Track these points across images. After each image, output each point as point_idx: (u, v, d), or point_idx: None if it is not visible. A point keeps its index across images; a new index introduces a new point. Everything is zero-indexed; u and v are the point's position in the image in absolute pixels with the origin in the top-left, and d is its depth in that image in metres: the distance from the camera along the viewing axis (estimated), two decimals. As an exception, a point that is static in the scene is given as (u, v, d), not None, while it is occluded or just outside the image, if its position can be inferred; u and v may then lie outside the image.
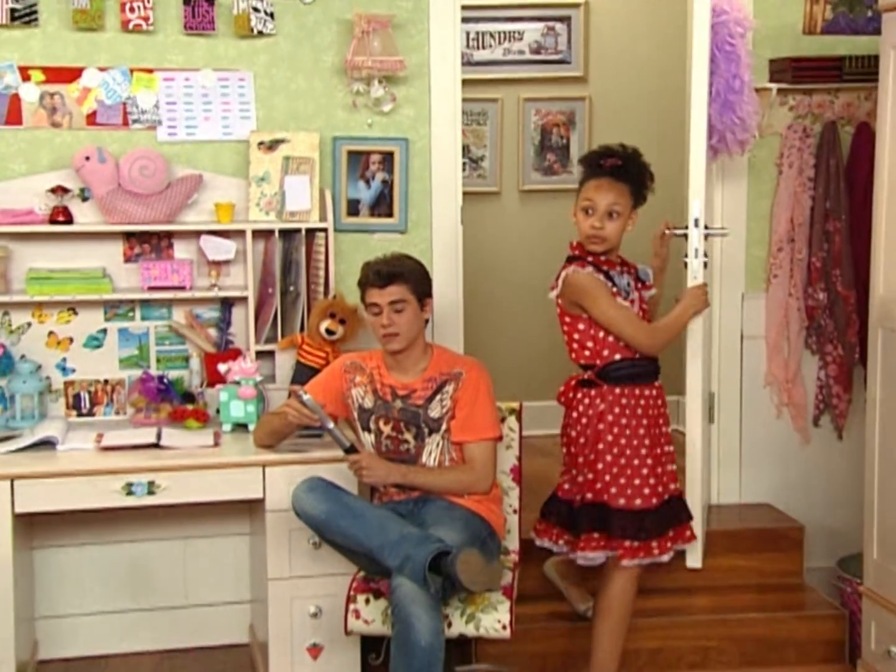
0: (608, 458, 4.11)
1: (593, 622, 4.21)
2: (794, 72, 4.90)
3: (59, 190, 4.53)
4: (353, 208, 4.87)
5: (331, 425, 4.04)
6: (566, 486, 4.26)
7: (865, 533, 4.44)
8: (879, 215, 4.30)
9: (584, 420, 4.16)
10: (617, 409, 4.15)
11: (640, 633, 4.47)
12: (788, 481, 5.21)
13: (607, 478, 4.10)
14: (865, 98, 5.01)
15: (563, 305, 4.17)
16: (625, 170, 4.10)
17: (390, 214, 4.90)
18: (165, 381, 4.75)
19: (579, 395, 4.19)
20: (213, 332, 4.84)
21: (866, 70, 4.88)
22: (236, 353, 4.73)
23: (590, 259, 4.15)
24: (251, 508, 4.75)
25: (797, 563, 4.96)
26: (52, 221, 4.53)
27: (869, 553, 4.40)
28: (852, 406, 5.20)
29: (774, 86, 4.93)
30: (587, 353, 4.19)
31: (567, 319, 4.19)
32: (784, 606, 4.78)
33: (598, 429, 4.13)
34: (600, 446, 4.12)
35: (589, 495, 4.14)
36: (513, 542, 4.30)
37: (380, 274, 4.10)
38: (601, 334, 4.15)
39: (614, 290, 4.15)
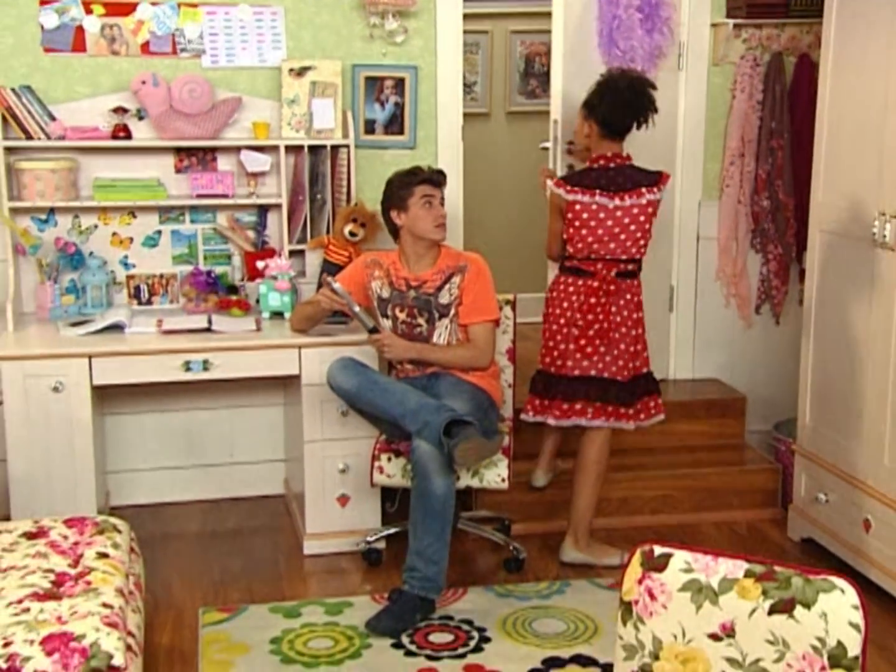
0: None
1: (575, 477, 4.33)
2: (747, 9, 4.96)
3: (120, 110, 4.57)
4: (370, 127, 4.88)
5: (357, 308, 4.15)
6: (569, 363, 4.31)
7: (800, 401, 4.58)
8: (821, 134, 4.37)
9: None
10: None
11: (610, 485, 4.60)
12: (733, 360, 5.35)
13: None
14: (806, 32, 5.05)
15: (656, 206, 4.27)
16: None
17: (401, 132, 4.91)
18: (212, 275, 4.82)
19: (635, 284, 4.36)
20: (251, 233, 4.86)
21: (809, 8, 4.97)
22: (272, 252, 4.77)
23: None
24: (286, 384, 4.85)
25: (740, 427, 5.14)
26: (114, 137, 4.57)
27: (802, 418, 4.56)
28: (788, 297, 5.32)
29: (731, 21, 4.99)
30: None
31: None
32: (729, 462, 4.98)
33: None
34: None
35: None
36: (508, 411, 4.45)
37: (439, 172, 4.27)
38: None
39: None
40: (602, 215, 4.17)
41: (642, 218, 4.19)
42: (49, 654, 2.83)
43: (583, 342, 4.22)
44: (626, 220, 4.18)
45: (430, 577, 3.90)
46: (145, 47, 4.64)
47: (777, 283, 5.26)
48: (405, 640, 3.83)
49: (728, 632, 1.95)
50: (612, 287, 4.23)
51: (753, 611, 1.92)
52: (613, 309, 4.23)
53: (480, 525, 4.53)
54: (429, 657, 3.73)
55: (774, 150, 5.07)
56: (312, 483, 4.46)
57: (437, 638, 3.86)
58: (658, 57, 4.88)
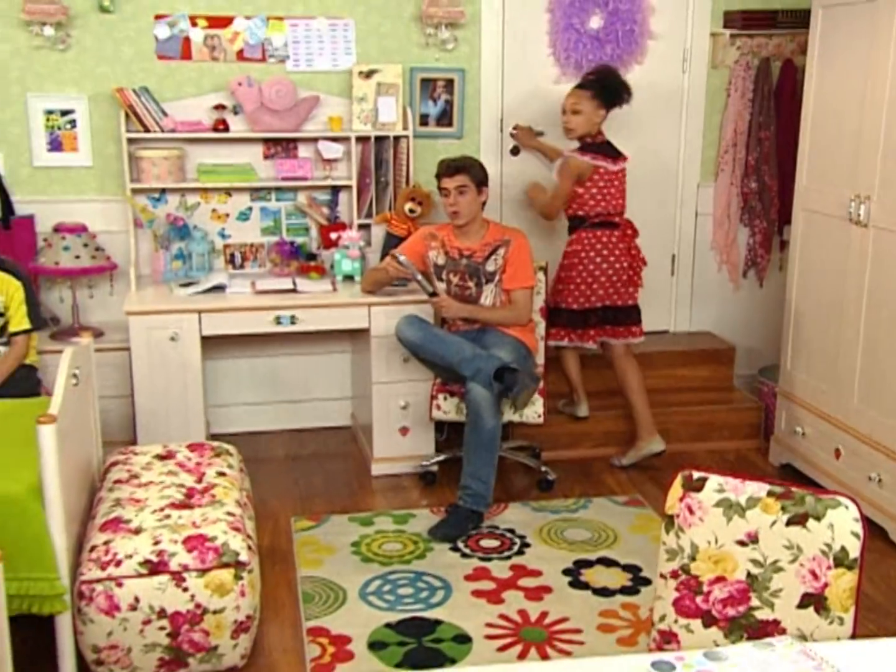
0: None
1: (626, 390, 4.56)
2: (741, 21, 4.95)
3: (219, 107, 4.60)
4: (424, 120, 4.87)
5: (419, 276, 4.19)
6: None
7: (782, 351, 4.62)
8: (806, 128, 4.37)
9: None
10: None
11: (621, 420, 4.71)
12: (724, 316, 5.36)
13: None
14: (790, 41, 5.03)
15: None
16: (592, 82, 4.35)
17: (450, 125, 4.91)
18: (294, 244, 4.86)
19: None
20: (326, 210, 4.86)
21: (793, 20, 4.95)
22: (343, 226, 4.79)
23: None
24: (353, 335, 4.88)
25: (729, 372, 5.15)
26: (215, 129, 4.59)
27: (784, 364, 4.61)
28: (770, 264, 5.33)
29: (727, 31, 4.98)
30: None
31: None
32: (720, 402, 4.99)
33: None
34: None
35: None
36: (541, 359, 4.45)
37: (449, 166, 4.19)
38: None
39: None
40: (612, 178, 4.41)
41: (624, 179, 4.51)
42: (189, 551, 2.99)
43: (614, 279, 4.46)
44: (620, 182, 4.47)
45: (480, 494, 3.99)
46: (240, 54, 4.65)
47: (762, 253, 5.28)
48: (460, 545, 3.91)
49: (752, 539, 2.02)
50: (629, 232, 4.55)
51: (773, 523, 2.00)
52: (630, 252, 4.54)
53: (517, 452, 4.57)
54: (481, 558, 3.80)
55: (762, 140, 5.08)
56: (379, 417, 4.51)
57: (487, 543, 3.92)
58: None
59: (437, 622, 3.37)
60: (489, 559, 3.81)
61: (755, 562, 2.04)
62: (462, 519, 3.99)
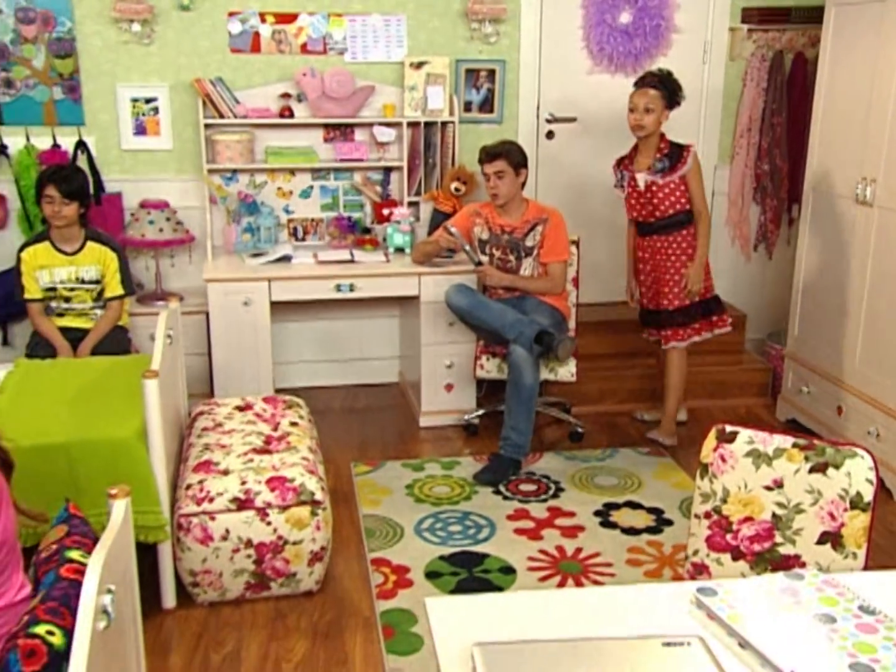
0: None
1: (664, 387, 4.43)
2: (758, 17, 4.95)
3: (285, 95, 4.65)
4: (468, 107, 4.88)
5: (467, 247, 4.24)
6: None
7: (790, 317, 4.65)
8: (817, 115, 4.38)
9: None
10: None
11: (646, 379, 4.77)
12: (736, 285, 5.34)
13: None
14: (802, 35, 5.03)
15: None
16: (658, 83, 4.03)
17: (492, 111, 4.91)
18: (350, 219, 4.90)
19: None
20: (378, 188, 4.90)
21: (805, 16, 4.95)
22: (394, 203, 4.83)
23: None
24: (402, 301, 4.91)
25: (741, 336, 5.12)
26: (281, 115, 4.63)
27: (792, 329, 4.64)
28: (779, 238, 5.34)
29: (745, 26, 4.98)
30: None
31: None
32: (732, 363, 5.01)
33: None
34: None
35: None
36: (572, 324, 4.48)
37: (488, 153, 4.20)
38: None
39: (615, 182, 4.30)
40: None
41: None
42: (272, 490, 3.10)
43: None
44: None
45: (519, 444, 4.04)
46: (304, 47, 4.66)
47: (771, 228, 5.30)
48: (502, 488, 3.97)
49: (778, 485, 2.09)
50: None
51: (797, 470, 2.07)
52: None
53: (550, 407, 4.62)
54: (520, 501, 3.87)
55: (774, 126, 5.08)
56: (427, 374, 4.56)
57: (525, 487, 3.99)
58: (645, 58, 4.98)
59: (485, 555, 3.46)
60: (528, 501, 3.87)
61: (780, 504, 2.11)
62: (503, 466, 4.05)
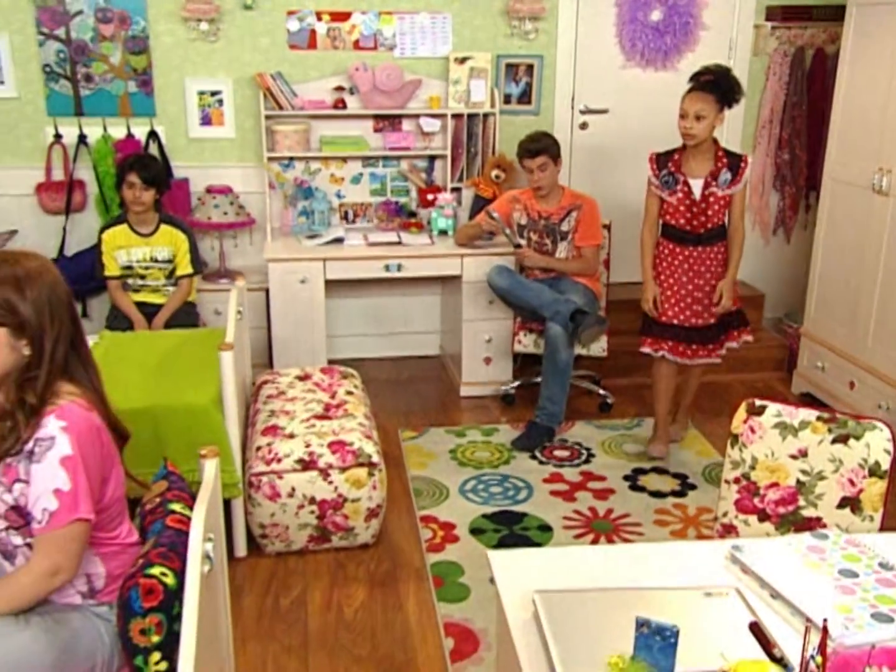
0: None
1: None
2: (781, 14, 4.94)
3: (339, 88, 4.68)
4: (507, 99, 4.88)
5: (508, 231, 4.28)
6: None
7: (807, 298, 4.65)
8: (837, 108, 4.35)
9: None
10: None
11: None
12: (756, 268, 5.32)
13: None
14: (822, 32, 5.01)
15: None
16: (713, 84, 3.55)
17: (529, 103, 4.92)
18: (397, 204, 4.93)
19: None
20: (423, 175, 4.92)
21: (826, 15, 4.93)
22: (438, 189, 4.86)
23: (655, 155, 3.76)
24: (444, 280, 4.94)
25: (760, 315, 5.14)
26: (334, 107, 4.66)
27: (808, 309, 4.65)
28: (796, 224, 5.34)
29: (769, 24, 4.97)
30: None
31: None
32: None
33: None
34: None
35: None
36: (603, 302, 4.52)
37: (529, 149, 4.21)
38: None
39: (655, 183, 3.75)
40: None
41: None
42: (333, 453, 3.21)
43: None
44: None
45: (554, 413, 4.11)
46: (356, 43, 4.70)
47: (790, 214, 5.30)
48: (538, 454, 4.03)
49: (802, 454, 2.17)
50: None
51: (821, 441, 2.14)
52: None
53: (582, 380, 4.66)
54: (555, 465, 3.94)
55: (794, 118, 5.08)
56: (467, 348, 4.61)
57: (559, 453, 4.05)
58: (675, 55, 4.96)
59: (524, 514, 3.55)
60: (562, 466, 3.94)
61: (804, 471, 2.18)
62: (539, 433, 4.12)
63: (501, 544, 3.36)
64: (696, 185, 3.68)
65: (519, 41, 4.85)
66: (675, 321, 3.82)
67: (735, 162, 3.68)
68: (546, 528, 3.47)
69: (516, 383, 4.67)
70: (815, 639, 1.39)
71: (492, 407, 4.60)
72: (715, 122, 3.59)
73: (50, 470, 1.76)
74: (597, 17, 4.89)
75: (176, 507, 2.03)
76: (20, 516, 1.78)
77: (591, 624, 1.59)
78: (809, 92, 5.09)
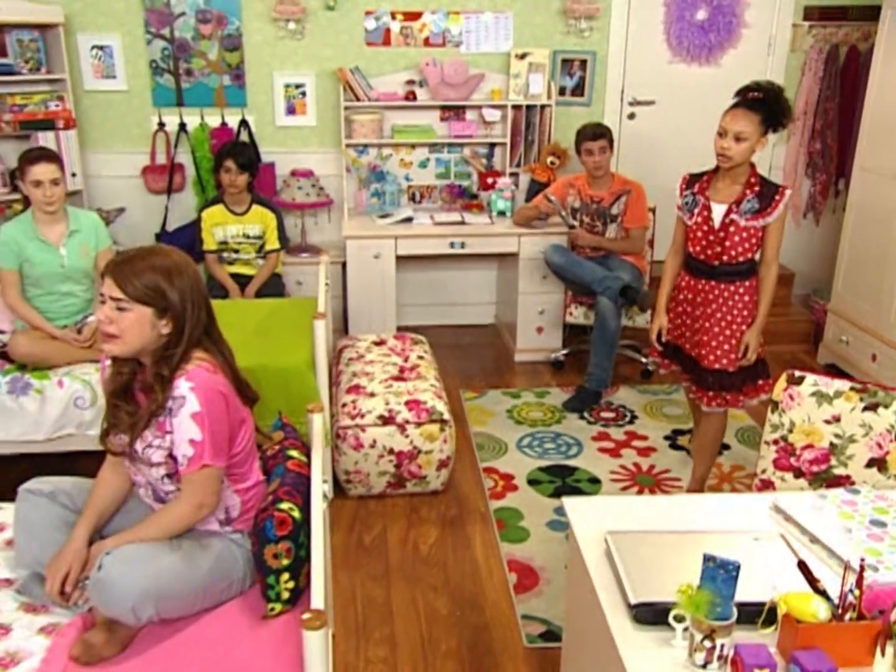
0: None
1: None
2: (818, 14, 4.91)
3: (410, 81, 4.73)
4: (562, 92, 4.91)
5: (563, 212, 4.33)
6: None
7: (835, 276, 4.65)
8: (869, 103, 4.34)
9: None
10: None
11: None
12: (787, 248, 4.91)
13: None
14: (856, 31, 4.96)
15: None
16: (760, 103, 2.91)
17: (582, 95, 4.95)
18: (460, 187, 4.99)
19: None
20: (484, 161, 4.97)
21: (860, 14, 4.90)
22: (498, 173, 4.91)
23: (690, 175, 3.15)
24: (500, 258, 5.01)
25: (789, 292, 5.16)
26: (406, 98, 4.72)
27: (836, 287, 4.65)
28: (825, 208, 5.32)
29: (806, 23, 4.94)
30: None
31: None
32: (780, 315, 4.95)
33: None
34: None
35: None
36: (647, 278, 4.50)
37: (594, 133, 4.23)
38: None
39: (678, 203, 3.17)
40: None
41: None
42: (409, 410, 3.35)
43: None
44: None
45: (601, 378, 4.18)
46: (426, 40, 4.75)
47: (820, 199, 5.29)
48: (586, 415, 4.12)
49: (836, 419, 2.26)
50: None
51: (853, 409, 2.23)
52: None
53: (626, 349, 4.67)
54: (602, 425, 4.02)
55: (827, 110, 5.07)
56: (522, 318, 4.68)
57: (605, 415, 4.13)
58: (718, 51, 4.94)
59: (575, 468, 3.66)
60: (608, 426, 4.02)
61: (837, 435, 2.28)
62: (587, 396, 4.20)
63: (555, 494, 3.47)
64: (718, 211, 3.02)
65: (574, 38, 4.88)
66: (686, 347, 3.24)
67: (769, 192, 2.97)
68: (595, 481, 3.58)
69: (565, 351, 4.74)
70: (851, 578, 1.52)
71: (543, 372, 4.68)
72: (756, 145, 2.93)
73: (184, 423, 1.92)
74: (646, 16, 4.91)
75: (293, 453, 2.20)
76: (174, 462, 1.96)
77: (657, 560, 1.73)
78: (842, 87, 5.06)
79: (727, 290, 3.10)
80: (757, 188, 2.99)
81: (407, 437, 3.36)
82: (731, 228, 3.00)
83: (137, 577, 1.80)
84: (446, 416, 3.41)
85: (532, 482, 3.57)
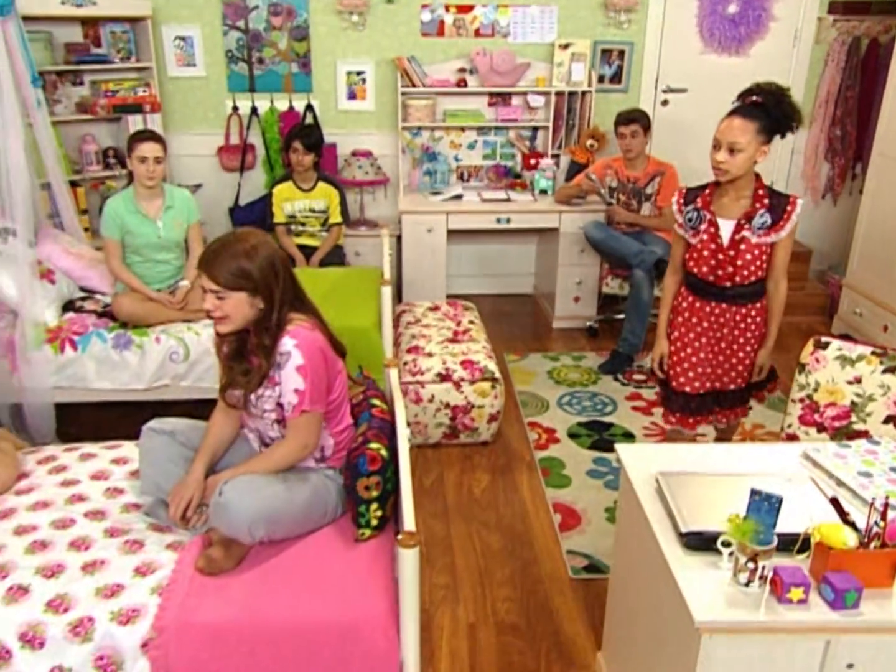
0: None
1: None
2: (842, 8, 4.89)
3: (461, 69, 4.78)
4: (601, 79, 4.91)
5: (602, 190, 4.39)
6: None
7: (851, 253, 4.67)
8: (889, 93, 4.31)
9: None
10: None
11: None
12: (805, 227, 5.29)
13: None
14: (878, 24, 4.94)
15: None
16: (759, 108, 2.48)
17: (619, 83, 4.97)
18: (505, 167, 5.03)
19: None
20: (528, 143, 5.00)
21: (883, 9, 4.87)
22: (540, 155, 4.95)
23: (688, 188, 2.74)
24: (539, 232, 5.05)
25: (806, 268, 5.16)
26: (457, 85, 4.77)
27: (851, 263, 4.68)
28: (843, 190, 5.32)
29: (831, 17, 4.92)
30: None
31: None
32: (797, 289, 4.91)
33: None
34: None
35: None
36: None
37: (626, 118, 4.27)
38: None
39: (679, 221, 2.74)
40: None
41: None
42: (464, 369, 3.46)
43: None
44: None
45: (634, 344, 4.25)
46: (477, 32, 4.79)
47: (838, 182, 5.30)
48: (620, 377, 4.20)
49: (857, 381, 2.35)
50: None
51: (873, 371, 2.32)
52: None
53: (656, 317, 4.62)
54: (634, 386, 4.10)
55: (847, 99, 5.06)
56: (560, 289, 4.75)
57: (637, 377, 4.20)
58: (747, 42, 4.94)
59: (610, 424, 3.76)
60: (640, 387, 4.10)
61: (857, 394, 2.37)
62: (621, 360, 4.27)
63: (593, 447, 3.58)
64: (726, 228, 2.60)
65: (614, 29, 4.90)
66: (687, 388, 2.78)
67: (780, 203, 2.57)
68: (629, 435, 3.68)
69: (600, 318, 4.81)
70: (875, 514, 1.64)
71: (579, 337, 4.75)
72: (756, 156, 2.50)
73: (290, 375, 2.06)
74: (681, 9, 4.92)
75: (376, 402, 2.34)
76: (282, 410, 2.11)
77: (702, 496, 1.85)
78: (862, 76, 5.05)
79: (738, 314, 2.67)
80: (767, 200, 2.56)
81: (461, 392, 3.48)
82: (742, 246, 2.56)
83: (253, 502, 1.96)
84: (497, 374, 3.53)
85: (572, 436, 3.68)
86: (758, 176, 2.61)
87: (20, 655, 1.80)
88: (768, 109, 2.47)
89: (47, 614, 1.85)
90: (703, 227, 2.63)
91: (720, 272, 2.62)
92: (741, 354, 2.73)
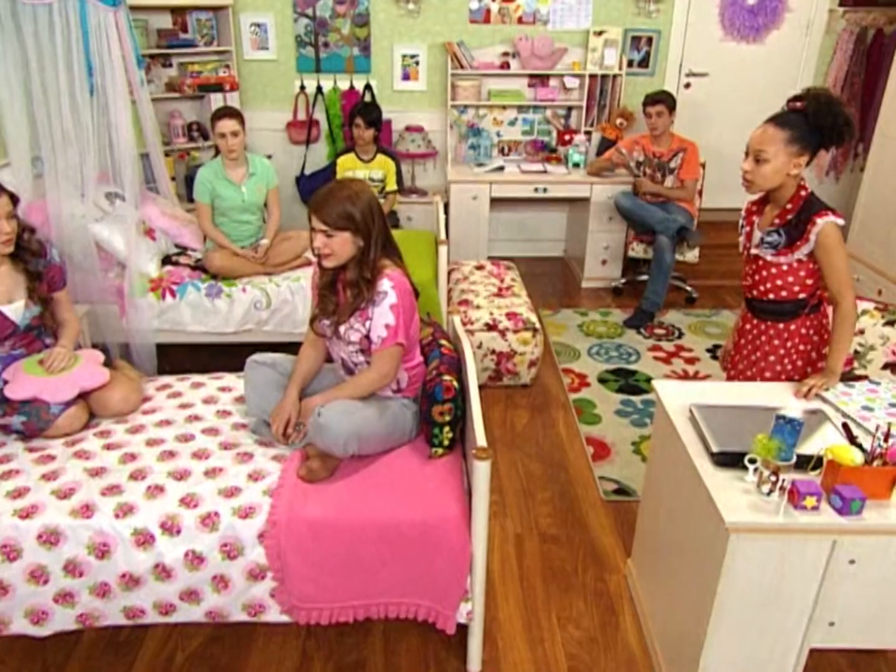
0: None
1: None
2: (853, 0, 4.83)
3: (504, 53, 4.78)
4: (630, 64, 4.91)
5: (632, 164, 4.43)
6: None
7: (851, 223, 4.58)
8: (893, 77, 4.20)
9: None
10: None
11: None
12: None
13: None
14: (883, 14, 4.86)
15: None
16: (798, 116, 2.05)
17: (647, 67, 4.96)
18: (542, 142, 5.06)
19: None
20: (563, 121, 5.02)
21: (889, 1, 4.77)
22: (574, 132, 4.97)
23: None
24: (570, 201, 5.09)
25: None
26: (500, 68, 4.79)
27: (852, 233, 4.57)
28: (845, 168, 5.30)
29: (842, 8, 4.87)
30: None
31: None
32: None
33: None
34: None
35: None
36: (696, 221, 4.52)
37: (653, 99, 4.30)
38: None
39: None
40: None
41: None
42: (509, 320, 3.56)
43: None
44: None
45: (655, 302, 4.32)
46: (519, 19, 4.79)
47: (840, 160, 5.28)
48: (642, 331, 4.27)
49: (860, 332, 2.44)
50: None
51: (875, 324, 2.42)
52: None
53: (675, 279, 4.72)
54: (655, 339, 4.17)
55: (853, 84, 5.02)
56: (590, 252, 4.80)
57: (658, 331, 4.27)
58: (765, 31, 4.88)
59: (635, 371, 3.86)
60: (660, 340, 4.17)
61: (860, 344, 2.47)
62: (643, 316, 4.35)
63: (620, 390, 3.68)
64: (755, 241, 2.27)
65: (643, 18, 4.88)
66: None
67: (803, 221, 2.14)
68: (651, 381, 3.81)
69: (624, 280, 4.84)
70: (878, 438, 1.76)
71: (605, 296, 4.81)
72: (789, 168, 2.08)
73: (384, 311, 2.18)
74: (704, 1, 4.89)
75: (443, 342, 2.48)
76: (367, 341, 2.25)
77: (729, 423, 1.98)
78: (868, 63, 5.00)
79: (768, 332, 2.30)
80: (790, 217, 2.14)
81: (506, 340, 3.60)
82: (760, 262, 2.24)
83: (347, 423, 2.11)
84: (537, 325, 3.64)
85: (601, 381, 3.78)
86: (800, 187, 2.14)
87: (161, 540, 1.99)
88: (809, 116, 2.02)
89: (181, 508, 2.03)
90: (743, 238, 2.32)
91: (748, 280, 2.30)
92: (768, 374, 2.30)
